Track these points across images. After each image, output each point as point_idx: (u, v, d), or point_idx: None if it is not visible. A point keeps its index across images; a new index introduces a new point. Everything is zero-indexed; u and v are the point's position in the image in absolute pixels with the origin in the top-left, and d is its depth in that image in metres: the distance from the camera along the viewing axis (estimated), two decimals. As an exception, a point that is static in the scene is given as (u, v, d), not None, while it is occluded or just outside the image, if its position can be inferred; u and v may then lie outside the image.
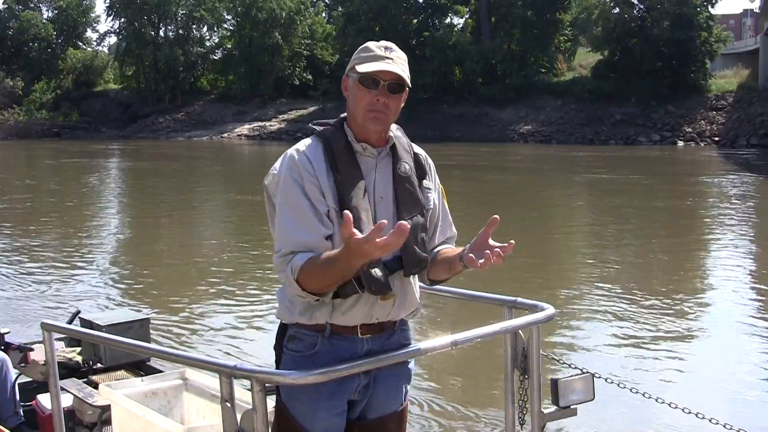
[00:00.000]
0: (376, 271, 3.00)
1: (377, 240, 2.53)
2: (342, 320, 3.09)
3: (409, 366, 3.42)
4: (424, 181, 3.28)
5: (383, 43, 3.18)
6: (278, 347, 3.25)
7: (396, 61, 3.10)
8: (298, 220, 2.98)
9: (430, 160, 3.39)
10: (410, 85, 3.15)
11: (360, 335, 3.13)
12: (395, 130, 3.28)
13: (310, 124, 3.27)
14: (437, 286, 3.54)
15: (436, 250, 3.32)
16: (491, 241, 2.95)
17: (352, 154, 3.13)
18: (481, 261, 2.90)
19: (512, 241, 2.91)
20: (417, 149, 3.35)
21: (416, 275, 3.27)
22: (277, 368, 3.23)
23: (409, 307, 3.25)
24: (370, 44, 3.18)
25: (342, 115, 3.25)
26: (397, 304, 3.15)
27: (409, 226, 2.56)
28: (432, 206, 3.28)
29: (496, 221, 2.95)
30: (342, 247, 2.71)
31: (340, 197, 3.02)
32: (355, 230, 2.57)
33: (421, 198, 3.21)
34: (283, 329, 3.23)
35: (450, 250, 3.29)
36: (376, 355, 3.15)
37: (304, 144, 3.14)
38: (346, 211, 2.61)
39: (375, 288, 3.01)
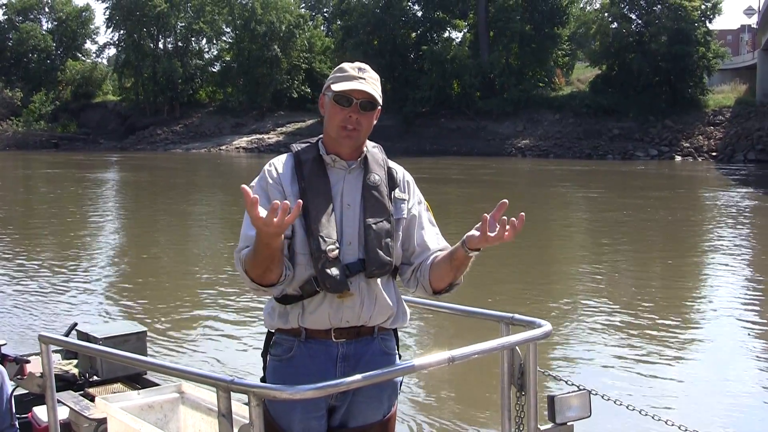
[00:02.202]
0: (332, 270, 3.18)
1: (264, 218, 2.78)
2: (312, 322, 3.24)
3: (396, 380, 3.46)
4: (396, 191, 3.43)
5: (357, 64, 3.37)
6: (264, 354, 3.41)
7: (368, 81, 3.30)
8: None
9: (408, 176, 3.54)
10: (381, 104, 3.34)
11: (334, 339, 3.25)
12: (371, 147, 3.47)
13: (291, 144, 3.52)
14: (435, 302, 3.58)
15: (431, 258, 3.41)
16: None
17: (322, 165, 3.35)
18: (492, 234, 3.03)
19: (522, 214, 3.02)
20: (392, 165, 3.52)
21: (393, 283, 3.40)
22: (263, 374, 3.38)
23: (383, 311, 3.33)
24: (345, 65, 3.38)
25: (321, 135, 3.46)
26: (365, 306, 3.26)
27: (297, 212, 2.81)
28: (404, 215, 3.42)
29: (505, 205, 3.07)
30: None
31: (303, 202, 3.18)
32: (259, 210, 2.79)
33: (388, 206, 3.36)
34: (269, 337, 3.40)
35: (445, 250, 3.37)
36: (353, 359, 3.27)
37: (277, 158, 3.43)
38: (245, 189, 2.81)
39: (330, 285, 3.18)
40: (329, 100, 3.32)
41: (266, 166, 3.37)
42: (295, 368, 3.23)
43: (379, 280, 3.30)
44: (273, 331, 3.36)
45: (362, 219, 3.29)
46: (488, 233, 3.03)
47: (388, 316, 3.36)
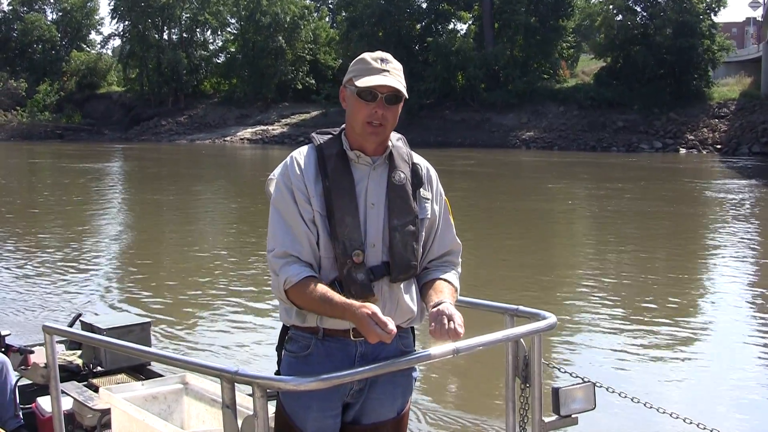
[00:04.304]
0: (358, 275, 3.10)
1: (377, 331, 2.84)
2: (332, 323, 3.14)
3: (413, 375, 3.43)
4: (420, 190, 3.32)
5: (379, 54, 3.24)
6: (279, 348, 3.33)
7: (392, 73, 3.18)
8: (288, 224, 3.13)
9: (432, 172, 3.42)
10: (407, 96, 3.22)
11: (353, 338, 3.17)
12: (396, 140, 3.35)
13: (312, 134, 3.37)
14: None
15: (431, 276, 3.34)
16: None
17: (346, 161, 3.22)
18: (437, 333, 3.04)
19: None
20: (417, 159, 3.40)
21: (414, 283, 3.32)
22: (278, 368, 3.31)
23: (404, 315, 3.26)
24: (367, 56, 3.24)
25: (344, 126, 3.33)
26: (387, 310, 3.16)
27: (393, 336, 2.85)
28: (428, 216, 3.32)
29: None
30: (352, 306, 2.93)
31: (327, 202, 3.13)
32: (376, 314, 2.85)
33: (414, 207, 3.26)
34: (284, 331, 3.32)
35: (437, 288, 3.28)
36: (370, 358, 3.18)
37: (299, 151, 3.27)
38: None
39: (355, 291, 3.09)
40: (352, 95, 3.20)
41: (287, 161, 3.24)
42: (311, 366, 3.15)
43: (402, 283, 3.24)
44: (288, 326, 3.29)
45: (387, 220, 3.20)
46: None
47: (408, 318, 3.30)
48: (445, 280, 3.31)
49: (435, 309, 3.07)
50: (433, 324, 3.03)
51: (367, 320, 2.84)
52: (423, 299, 3.29)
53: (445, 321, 2.99)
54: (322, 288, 3.02)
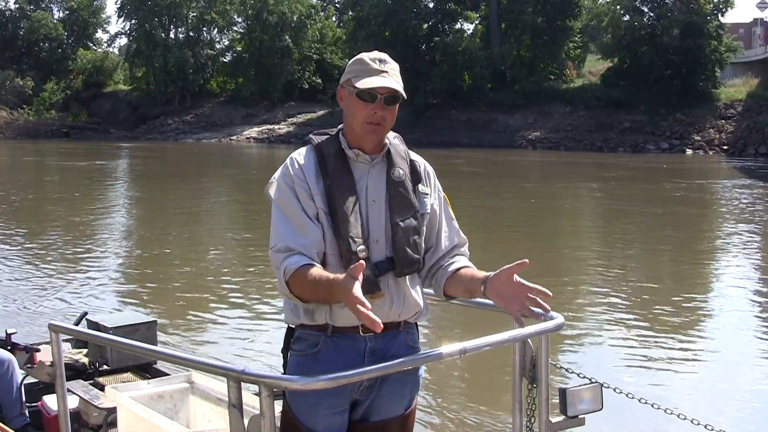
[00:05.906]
0: (364, 271, 3.04)
1: (358, 305, 2.69)
2: (340, 320, 3.15)
3: (418, 373, 3.43)
4: (419, 186, 3.36)
5: (376, 54, 3.27)
6: (285, 350, 3.33)
7: (391, 74, 3.22)
8: (291, 220, 3.14)
9: (429, 168, 3.48)
10: (405, 96, 3.25)
11: (362, 333, 3.18)
12: (392, 138, 3.39)
13: (310, 135, 3.41)
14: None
15: (453, 267, 3.36)
16: (521, 281, 3.08)
17: (345, 160, 3.26)
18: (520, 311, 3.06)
19: (549, 293, 3.01)
20: (414, 156, 3.45)
21: (418, 278, 3.35)
22: (284, 371, 3.29)
23: (410, 309, 3.28)
24: (365, 57, 3.27)
25: (341, 125, 3.37)
26: (394, 305, 3.21)
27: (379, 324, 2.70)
28: (428, 211, 3.36)
29: (524, 265, 3.04)
30: (335, 278, 2.87)
31: (329, 200, 3.16)
32: (357, 284, 2.73)
33: (414, 202, 3.30)
34: (289, 333, 3.31)
35: (471, 271, 3.32)
36: (380, 353, 3.20)
37: (298, 152, 3.31)
38: (361, 262, 2.77)
39: (361, 287, 3.01)
40: (350, 95, 3.23)
41: (288, 162, 3.26)
42: (321, 363, 3.14)
43: (407, 278, 3.26)
44: (294, 326, 3.28)
45: (389, 216, 3.22)
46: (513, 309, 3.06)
47: (416, 313, 3.32)
48: (469, 267, 3.37)
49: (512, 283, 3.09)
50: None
51: (348, 289, 2.75)
52: (458, 286, 3.32)
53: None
54: (317, 270, 3.01)
